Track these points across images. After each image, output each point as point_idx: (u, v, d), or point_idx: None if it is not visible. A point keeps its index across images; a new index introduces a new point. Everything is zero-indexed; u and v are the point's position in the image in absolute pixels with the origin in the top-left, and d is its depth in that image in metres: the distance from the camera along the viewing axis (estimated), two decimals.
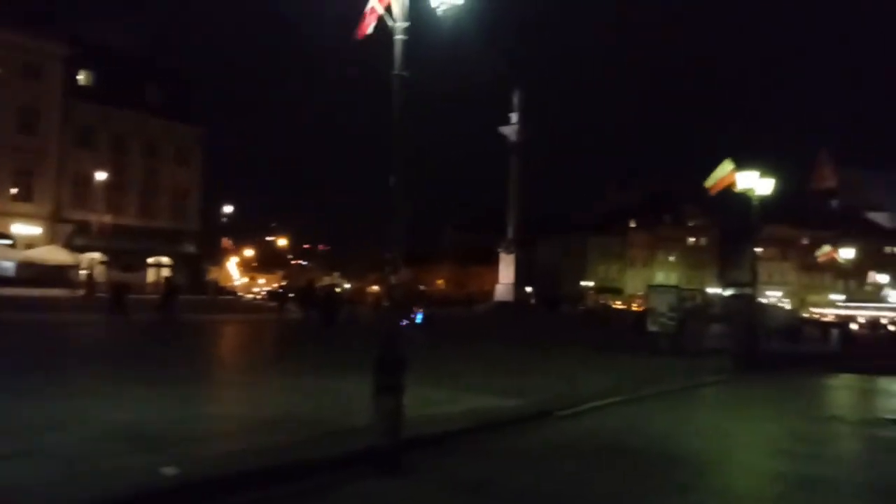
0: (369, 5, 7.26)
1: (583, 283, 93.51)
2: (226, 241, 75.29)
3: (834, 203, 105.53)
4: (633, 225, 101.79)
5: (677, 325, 22.75)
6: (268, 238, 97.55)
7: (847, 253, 58.01)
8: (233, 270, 77.97)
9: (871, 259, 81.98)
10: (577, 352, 21.55)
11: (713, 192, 20.91)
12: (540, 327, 35.51)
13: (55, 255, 39.56)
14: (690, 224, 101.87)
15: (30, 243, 41.61)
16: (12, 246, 40.81)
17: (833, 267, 78.49)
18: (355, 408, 8.36)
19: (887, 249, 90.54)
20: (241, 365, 16.28)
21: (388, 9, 7.18)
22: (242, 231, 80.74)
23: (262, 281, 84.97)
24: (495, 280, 61.70)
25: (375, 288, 65.22)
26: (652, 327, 23.26)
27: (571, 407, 11.02)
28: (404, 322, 26.56)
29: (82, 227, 44.28)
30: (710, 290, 65.67)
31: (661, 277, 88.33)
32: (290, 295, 40.16)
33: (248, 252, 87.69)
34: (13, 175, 43.31)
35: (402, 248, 7.43)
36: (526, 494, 6.55)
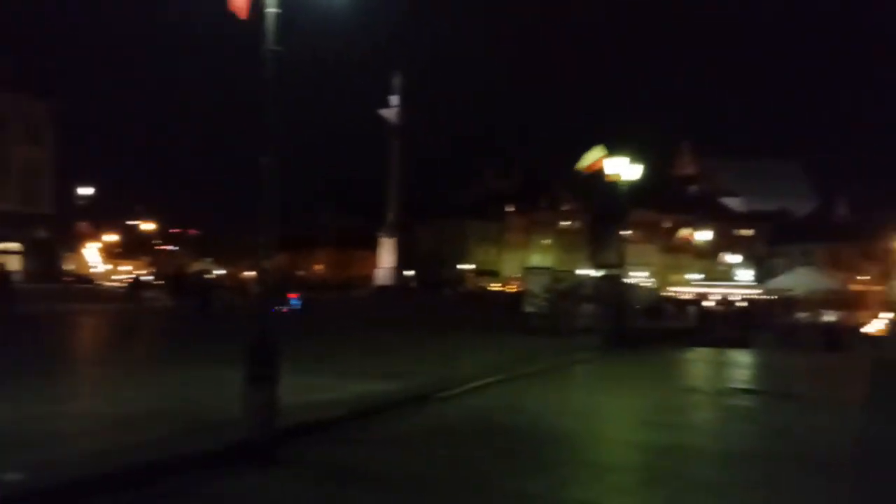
0: None
1: (462, 267, 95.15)
2: (84, 226, 70.11)
3: (693, 189, 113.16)
4: (510, 209, 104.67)
5: (551, 305, 23.57)
6: (133, 222, 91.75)
7: (703, 235, 62.42)
8: (92, 257, 72.88)
9: (725, 241, 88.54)
10: (456, 334, 21.83)
11: (585, 173, 21.71)
12: (420, 311, 35.74)
13: None
14: (564, 209, 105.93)
15: None
16: None
17: (691, 248, 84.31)
18: (229, 399, 7.98)
19: (739, 232, 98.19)
20: (104, 358, 15.22)
21: None
22: (104, 215, 75.50)
23: (127, 268, 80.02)
24: (376, 264, 61.50)
25: (250, 273, 63.16)
26: (528, 308, 23.97)
27: (451, 389, 11.13)
28: (281, 308, 25.90)
29: None
30: (582, 272, 68.57)
31: (536, 260, 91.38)
32: (153, 282, 38.09)
33: (111, 237, 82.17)
34: None
35: (277, 232, 7.14)
36: (404, 479, 6.52)
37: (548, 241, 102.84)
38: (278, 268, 9.37)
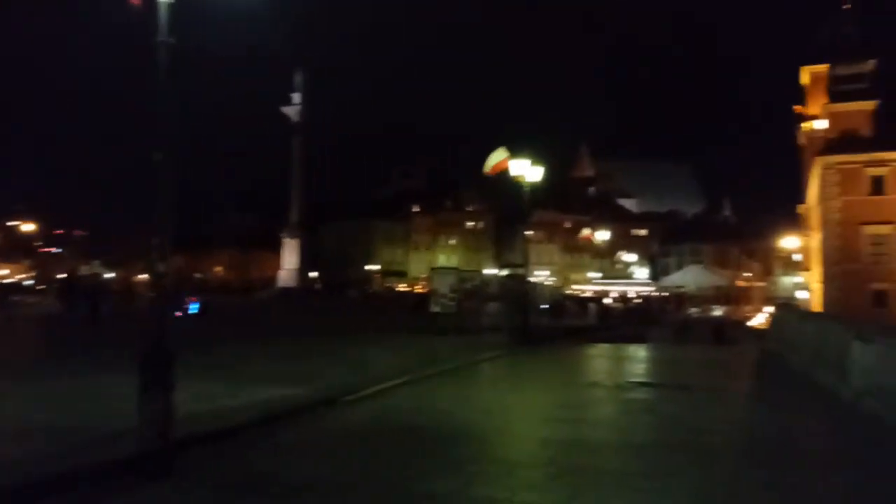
0: None
1: (368, 267, 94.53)
2: None
3: (591, 190, 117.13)
4: (416, 209, 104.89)
5: (458, 305, 23.77)
6: (12, 223, 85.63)
7: (602, 235, 64.82)
8: None
9: (622, 240, 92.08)
10: (362, 336, 21.62)
11: (491, 174, 22.02)
12: (325, 313, 35.20)
13: None
14: (470, 209, 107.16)
15: None
16: None
17: (590, 248, 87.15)
18: (122, 409, 7.54)
19: (634, 232, 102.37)
20: None
21: None
22: None
23: (4, 272, 74.63)
24: (279, 266, 60.10)
25: (144, 277, 60.36)
26: (435, 308, 24.06)
27: (358, 392, 10.97)
28: (177, 313, 24.84)
29: None
30: (488, 272, 69.67)
31: (442, 260, 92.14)
32: (34, 286, 35.77)
33: None
34: None
35: (172, 232, 6.80)
36: (310, 486, 6.36)
37: (454, 242, 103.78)
38: (174, 270, 8.94)
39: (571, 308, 45.74)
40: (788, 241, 64.69)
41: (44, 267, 70.03)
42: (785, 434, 9.02)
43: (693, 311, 62.83)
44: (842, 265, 43.68)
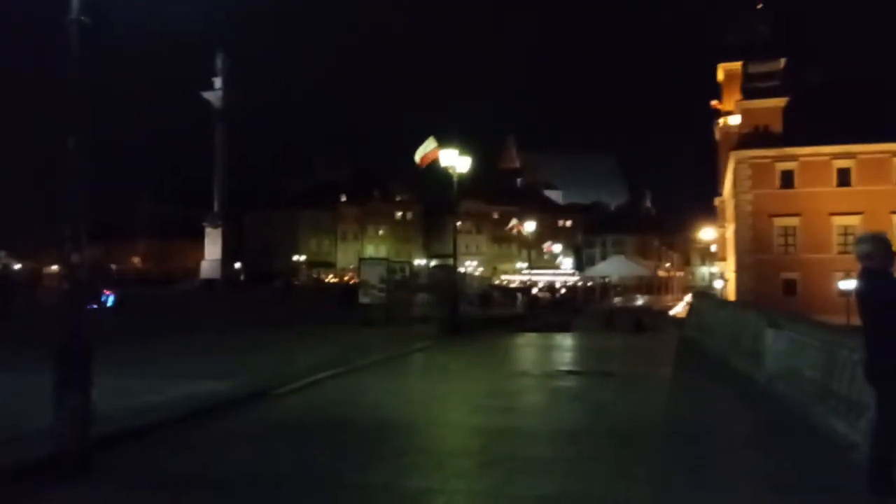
0: None
1: (295, 258, 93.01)
2: None
3: (518, 182, 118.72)
4: (343, 199, 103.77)
5: (387, 295, 23.68)
6: None
7: (530, 226, 65.89)
8: None
9: (548, 231, 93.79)
10: (289, 327, 21.27)
11: (421, 166, 22.01)
12: (249, 305, 34.45)
13: None
14: (398, 199, 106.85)
15: None
16: None
17: (518, 238, 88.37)
18: (36, 408, 7.16)
19: (560, 223, 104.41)
20: None
21: None
22: None
23: None
24: (201, 256, 58.43)
25: (55, 268, 57.58)
26: (364, 299, 23.90)
27: (287, 385, 10.79)
28: (92, 306, 23.81)
29: None
30: (417, 262, 69.69)
31: (371, 250, 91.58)
32: None
33: None
34: None
35: (87, 222, 6.48)
36: (239, 481, 6.20)
37: (382, 232, 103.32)
38: (90, 261, 8.55)
39: (500, 298, 46.34)
40: (705, 233, 67.47)
41: None
42: (703, 417, 9.40)
43: (617, 300, 64.75)
44: (754, 255, 45.86)
